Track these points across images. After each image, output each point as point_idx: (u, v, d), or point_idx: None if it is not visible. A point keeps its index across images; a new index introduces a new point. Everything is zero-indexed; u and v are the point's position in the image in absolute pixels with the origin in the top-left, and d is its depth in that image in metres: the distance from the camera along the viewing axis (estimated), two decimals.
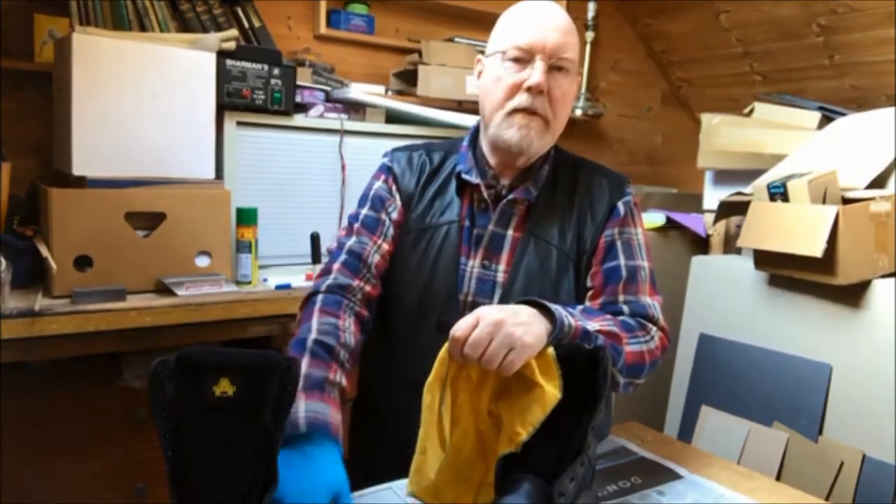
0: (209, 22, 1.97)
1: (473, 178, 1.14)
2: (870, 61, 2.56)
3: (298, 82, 2.02)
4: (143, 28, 1.87)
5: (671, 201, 2.68)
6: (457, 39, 2.54)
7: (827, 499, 1.60)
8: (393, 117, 2.22)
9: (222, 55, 1.84)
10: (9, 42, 1.89)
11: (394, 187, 1.19)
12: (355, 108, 2.16)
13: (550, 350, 0.84)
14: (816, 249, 1.58)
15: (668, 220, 2.38)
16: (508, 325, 0.83)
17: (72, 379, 1.76)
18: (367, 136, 2.15)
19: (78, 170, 1.63)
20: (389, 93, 2.41)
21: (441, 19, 2.70)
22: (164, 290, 1.68)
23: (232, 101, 1.87)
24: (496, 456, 0.84)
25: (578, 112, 2.97)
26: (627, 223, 1.15)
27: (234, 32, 1.90)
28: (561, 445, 0.82)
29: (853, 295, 1.67)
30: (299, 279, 1.95)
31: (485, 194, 1.14)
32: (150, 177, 1.71)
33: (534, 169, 1.15)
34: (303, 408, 0.88)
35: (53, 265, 1.55)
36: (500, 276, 1.12)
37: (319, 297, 1.07)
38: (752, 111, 2.33)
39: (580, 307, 1.04)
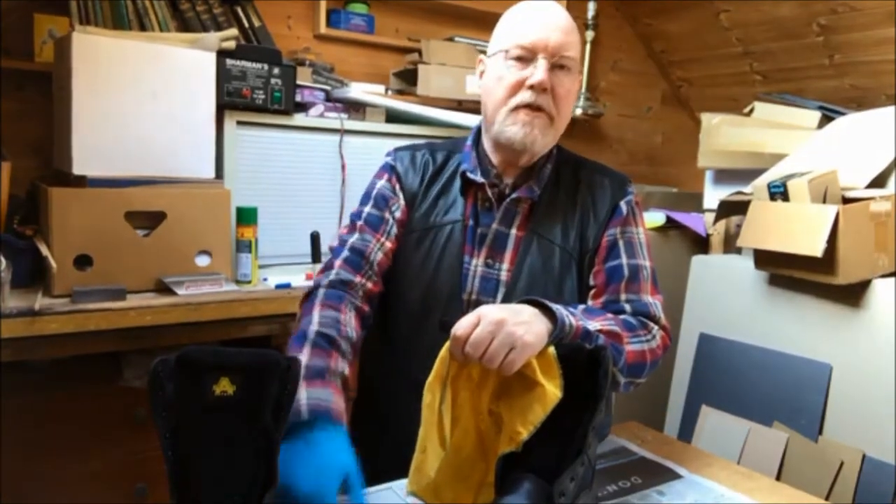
0: (209, 21, 1.97)
1: (478, 178, 1.14)
2: (870, 61, 2.56)
3: (298, 82, 2.02)
4: (143, 28, 1.87)
5: (671, 201, 2.68)
6: (457, 39, 2.54)
7: (827, 499, 1.60)
8: (393, 117, 2.22)
9: (222, 55, 1.84)
10: (9, 42, 1.89)
11: (397, 186, 1.19)
12: (355, 108, 2.16)
13: (551, 349, 0.84)
14: (816, 249, 1.58)
15: (669, 219, 2.38)
16: (510, 325, 0.83)
17: (72, 379, 1.76)
18: (367, 136, 2.15)
19: (78, 169, 1.63)
20: (389, 92, 2.41)
21: (441, 19, 2.70)
22: (164, 289, 1.68)
23: (232, 100, 1.87)
24: (496, 455, 0.84)
25: (578, 112, 2.97)
26: (629, 222, 1.15)
27: (234, 32, 1.90)
28: (561, 445, 0.82)
29: (853, 295, 1.66)
30: (299, 279, 1.95)
31: (489, 193, 1.14)
32: (150, 176, 1.71)
33: (537, 168, 1.15)
34: (304, 396, 0.88)
35: (53, 265, 1.55)
36: (504, 275, 1.12)
37: (321, 292, 1.07)
38: (752, 111, 2.33)
39: (581, 307, 1.04)
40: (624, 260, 1.12)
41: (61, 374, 1.74)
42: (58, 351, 1.53)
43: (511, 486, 0.81)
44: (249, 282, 1.86)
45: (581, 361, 0.83)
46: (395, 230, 1.17)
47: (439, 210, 1.16)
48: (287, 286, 1.84)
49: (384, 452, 1.12)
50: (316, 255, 1.92)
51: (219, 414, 0.75)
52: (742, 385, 1.87)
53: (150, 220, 1.69)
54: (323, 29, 2.40)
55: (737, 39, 2.89)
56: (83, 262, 1.61)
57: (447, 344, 0.86)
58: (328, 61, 2.33)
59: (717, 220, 2.13)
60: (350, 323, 1.04)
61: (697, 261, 2.11)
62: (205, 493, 0.74)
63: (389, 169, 1.21)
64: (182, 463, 0.74)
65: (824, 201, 1.66)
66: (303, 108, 2.06)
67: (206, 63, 1.78)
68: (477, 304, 1.10)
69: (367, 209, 1.18)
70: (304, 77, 2.10)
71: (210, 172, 1.82)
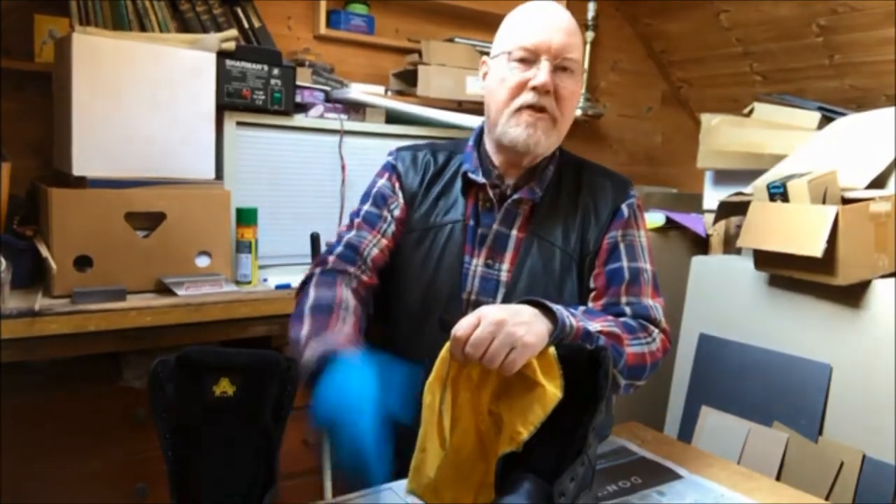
0: (209, 22, 1.97)
1: (479, 178, 1.15)
2: (870, 61, 2.56)
3: (298, 82, 2.02)
4: (143, 28, 1.87)
5: (671, 201, 2.68)
6: (457, 39, 2.54)
7: (827, 499, 1.60)
8: (393, 117, 2.22)
9: (222, 55, 1.84)
10: (9, 42, 1.89)
11: (397, 185, 1.19)
12: (355, 109, 2.16)
13: (552, 350, 0.84)
14: (816, 249, 1.58)
15: (668, 220, 2.38)
16: (510, 325, 0.83)
17: (72, 379, 1.76)
18: (367, 136, 2.15)
19: (78, 170, 1.63)
20: (389, 93, 2.41)
21: (441, 19, 2.70)
22: (164, 290, 1.68)
23: (232, 101, 1.87)
24: (496, 455, 0.84)
25: (578, 112, 2.97)
26: (631, 225, 1.15)
27: (234, 32, 1.90)
28: (561, 445, 0.82)
29: (853, 295, 1.67)
30: (299, 279, 1.94)
31: (490, 193, 1.14)
32: (150, 177, 1.71)
33: (539, 169, 1.15)
34: (308, 354, 0.88)
35: (53, 265, 1.55)
36: (504, 276, 1.12)
37: (314, 278, 1.08)
38: (752, 111, 2.33)
39: (582, 308, 1.04)
40: (625, 263, 1.12)
41: (61, 374, 1.74)
42: (58, 351, 1.53)
43: (511, 486, 0.81)
44: (249, 282, 1.86)
45: (581, 362, 0.83)
46: (392, 228, 1.17)
47: (440, 210, 1.16)
48: (287, 287, 1.84)
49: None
50: (316, 256, 1.92)
51: (219, 414, 0.75)
52: (742, 385, 1.87)
53: (150, 220, 1.69)
54: (323, 29, 2.40)
55: (737, 40, 2.89)
56: (83, 262, 1.61)
57: (447, 344, 0.86)
58: (328, 62, 2.33)
59: (716, 220, 2.13)
60: (347, 297, 1.05)
61: (697, 261, 2.11)
62: (205, 493, 0.74)
63: (390, 168, 1.22)
64: (182, 463, 0.74)
65: (824, 202, 1.66)
66: (303, 108, 2.06)
67: (206, 64, 1.78)
68: (476, 304, 1.10)
69: (366, 207, 1.19)
70: (303, 78, 2.10)
71: (210, 173, 1.82)
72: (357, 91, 2.18)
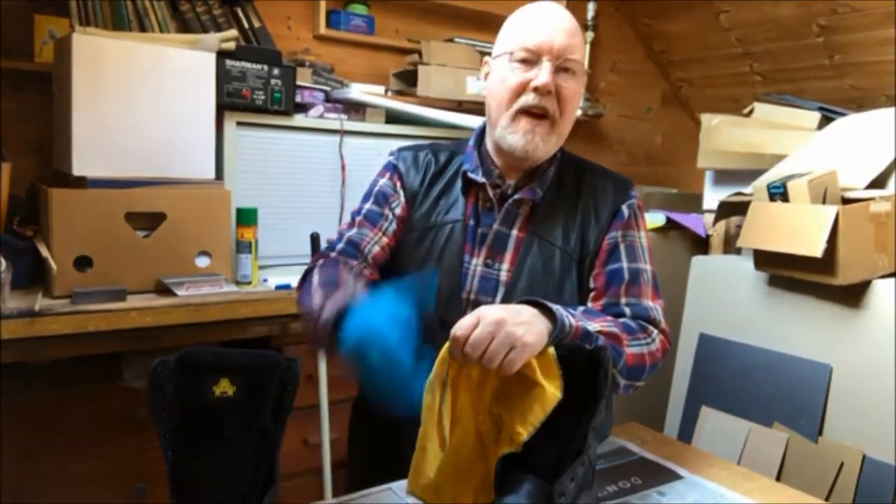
0: (209, 22, 1.97)
1: (479, 178, 1.15)
2: (870, 61, 2.56)
3: (298, 82, 2.02)
4: (143, 28, 1.87)
5: (671, 201, 2.68)
6: (457, 39, 2.54)
7: (827, 499, 1.60)
8: (393, 117, 2.22)
9: (222, 55, 1.84)
10: (9, 42, 1.89)
11: (398, 184, 1.20)
12: (355, 109, 2.16)
13: (551, 350, 0.84)
14: (816, 249, 1.57)
15: (668, 220, 2.38)
16: (509, 325, 0.83)
17: (72, 379, 1.76)
18: (367, 137, 2.15)
19: (78, 170, 1.63)
20: (389, 93, 2.41)
21: (441, 19, 2.70)
22: (164, 290, 1.68)
23: (232, 101, 1.87)
24: (496, 456, 0.84)
25: (578, 112, 2.97)
26: (631, 226, 1.15)
27: (233, 33, 1.90)
28: (561, 445, 0.82)
29: (853, 295, 1.67)
30: (299, 279, 1.94)
31: (490, 193, 1.14)
32: (150, 177, 1.71)
33: (540, 170, 1.15)
34: (325, 314, 0.89)
35: (53, 265, 1.55)
36: (504, 276, 1.12)
37: (317, 268, 1.07)
38: (752, 111, 2.33)
39: (581, 308, 1.04)
40: (625, 263, 1.12)
41: (61, 374, 1.74)
42: (58, 352, 1.53)
43: (511, 486, 0.81)
44: (249, 283, 1.86)
45: (581, 362, 0.83)
46: (393, 226, 1.17)
47: (440, 209, 1.16)
48: (287, 287, 1.84)
49: (384, 453, 1.13)
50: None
51: (219, 414, 0.75)
52: (742, 385, 1.87)
53: (151, 220, 1.69)
54: (323, 30, 2.40)
55: (737, 40, 2.89)
56: (83, 262, 1.61)
57: (447, 344, 0.86)
58: (328, 62, 2.33)
59: (716, 220, 2.13)
60: (352, 276, 1.04)
61: (697, 261, 2.11)
62: (205, 493, 0.74)
63: (392, 167, 1.22)
64: (182, 463, 0.75)
65: (824, 202, 1.66)
66: (303, 108, 2.06)
67: (206, 64, 1.78)
68: (476, 303, 1.10)
69: (368, 206, 1.19)
70: (303, 78, 2.10)
71: (210, 173, 1.82)
72: (357, 91, 2.18)
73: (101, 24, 1.82)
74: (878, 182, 1.74)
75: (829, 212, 1.59)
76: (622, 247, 1.13)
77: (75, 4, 1.80)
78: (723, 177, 2.34)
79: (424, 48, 2.41)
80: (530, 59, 1.08)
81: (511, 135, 1.09)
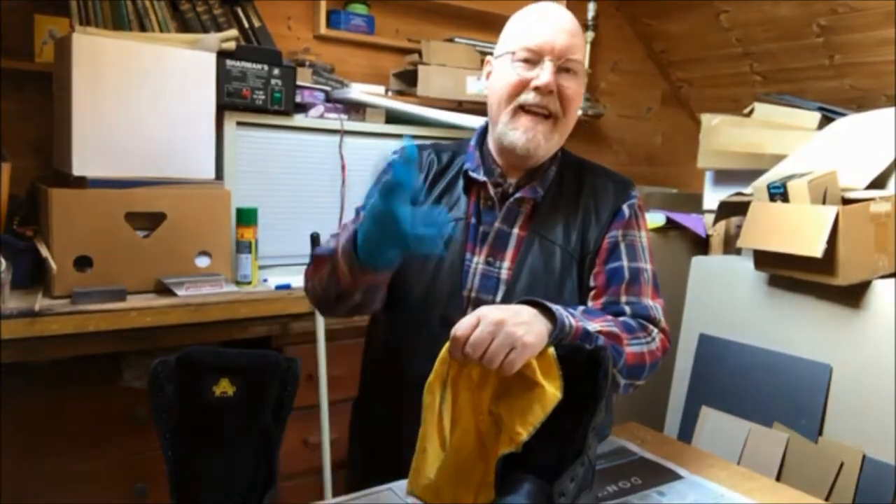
0: (209, 22, 1.97)
1: (480, 176, 1.15)
2: (870, 61, 2.56)
3: (298, 82, 2.02)
4: (143, 28, 1.87)
5: (671, 201, 2.68)
6: (457, 39, 2.54)
7: (827, 499, 1.60)
8: (393, 117, 2.22)
9: (222, 55, 1.84)
10: (9, 42, 1.89)
11: None
12: (355, 109, 2.16)
13: (551, 350, 0.84)
14: (816, 250, 1.57)
15: (668, 220, 2.38)
16: (509, 325, 0.83)
17: (72, 379, 1.76)
18: (367, 137, 2.15)
19: (78, 170, 1.63)
20: (389, 93, 2.41)
21: (441, 19, 2.70)
22: (164, 290, 1.68)
23: (232, 101, 1.87)
24: (496, 456, 0.84)
25: (578, 112, 2.97)
26: (631, 226, 1.15)
27: (234, 32, 1.90)
28: (561, 445, 0.82)
29: (853, 295, 1.66)
30: (299, 279, 1.93)
31: (491, 192, 1.15)
32: (150, 177, 1.71)
33: (541, 169, 1.16)
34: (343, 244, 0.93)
35: (53, 265, 1.55)
36: (505, 274, 1.12)
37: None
38: (752, 111, 2.33)
39: (581, 308, 1.05)
40: (625, 262, 1.13)
41: (61, 374, 1.74)
42: (58, 352, 1.53)
43: (511, 486, 0.81)
44: (249, 283, 1.86)
45: (581, 362, 0.83)
46: None
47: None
48: (287, 287, 1.84)
49: (384, 453, 1.13)
50: None
51: (219, 414, 0.75)
52: (742, 385, 1.87)
53: (151, 220, 1.69)
54: (323, 29, 2.40)
55: (737, 40, 2.89)
56: (83, 262, 1.61)
57: (447, 344, 0.86)
58: (328, 62, 2.33)
59: (716, 220, 2.13)
60: None
61: (697, 261, 2.11)
62: (205, 493, 0.74)
63: None
64: (182, 463, 0.75)
65: (824, 202, 1.66)
66: (303, 108, 2.06)
67: (206, 64, 1.78)
68: (477, 301, 1.11)
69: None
70: (304, 78, 2.10)
71: (210, 173, 1.82)
72: (357, 91, 2.18)
73: (101, 23, 1.82)
74: (878, 182, 1.74)
75: (829, 212, 1.59)
76: (622, 246, 1.14)
77: (75, 4, 1.80)
78: (723, 177, 2.34)
79: (424, 48, 2.41)
80: (532, 59, 1.08)
81: (512, 131, 1.10)
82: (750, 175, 1.99)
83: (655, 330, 1.09)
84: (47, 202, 1.57)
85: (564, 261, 1.12)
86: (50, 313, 1.47)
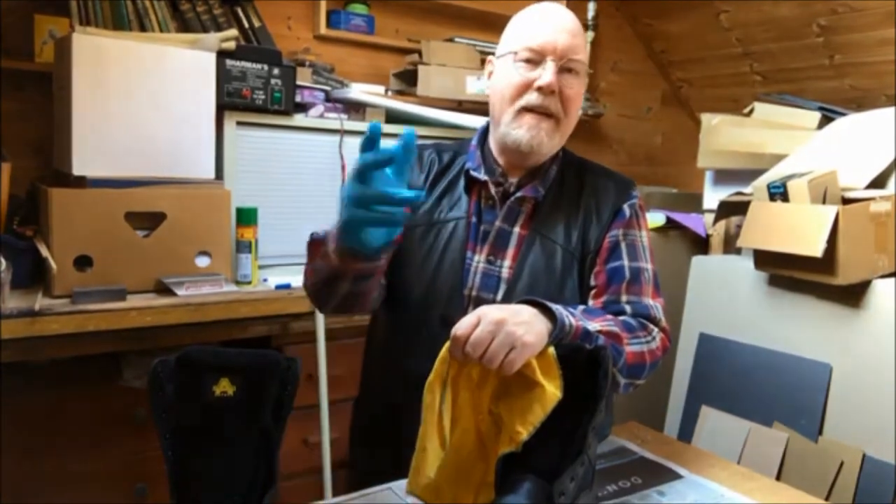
0: (209, 22, 1.97)
1: (481, 176, 1.15)
2: (870, 61, 2.56)
3: (298, 82, 2.02)
4: (143, 28, 1.87)
5: (671, 201, 2.68)
6: (457, 39, 2.54)
7: (827, 499, 1.60)
8: (393, 117, 2.22)
9: (222, 55, 1.84)
10: (9, 42, 1.89)
11: None
12: (355, 108, 2.16)
13: (551, 349, 0.84)
14: (816, 249, 1.57)
15: (668, 220, 2.38)
16: (509, 325, 0.83)
17: (72, 379, 1.76)
18: None
19: (78, 170, 1.63)
20: (389, 93, 2.41)
21: (441, 19, 2.70)
22: (164, 290, 1.68)
23: (232, 101, 1.87)
24: (496, 455, 0.84)
25: (579, 112, 2.97)
26: (632, 225, 1.16)
27: (234, 32, 1.90)
28: (561, 445, 0.82)
29: (853, 295, 1.66)
30: (299, 279, 1.93)
31: (492, 191, 1.15)
32: (150, 177, 1.71)
33: (542, 169, 1.16)
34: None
35: (53, 265, 1.55)
36: (506, 272, 1.12)
37: None
38: (752, 111, 2.33)
39: (581, 307, 1.05)
40: (625, 262, 1.13)
41: (61, 374, 1.74)
42: (58, 351, 1.53)
43: (511, 486, 0.81)
44: (249, 282, 1.86)
45: (581, 361, 0.83)
46: None
47: (443, 208, 1.17)
48: (287, 287, 1.84)
49: (384, 452, 1.13)
50: None
51: (219, 414, 0.75)
52: (742, 385, 1.87)
53: (150, 220, 1.69)
54: (323, 29, 2.40)
55: (737, 40, 2.89)
56: (83, 262, 1.61)
57: (447, 344, 0.86)
58: (328, 62, 2.33)
59: (716, 220, 2.13)
60: None
61: (697, 261, 2.11)
62: (205, 493, 0.74)
63: None
64: (182, 463, 0.75)
65: (824, 202, 1.66)
66: (303, 108, 2.06)
67: (206, 63, 1.78)
68: (477, 299, 1.11)
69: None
70: (304, 77, 2.10)
71: (210, 173, 1.82)
72: (357, 91, 2.18)
73: (101, 23, 1.82)
74: (878, 182, 1.74)
75: (829, 212, 1.59)
76: (623, 245, 1.14)
77: (75, 4, 1.80)
78: (723, 177, 2.34)
79: (424, 48, 2.41)
80: (534, 59, 1.09)
81: (515, 130, 1.10)
82: (750, 175, 1.99)
83: (656, 329, 1.09)
84: (47, 202, 1.57)
85: (565, 260, 1.13)
86: (50, 313, 1.47)
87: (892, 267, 1.67)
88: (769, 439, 1.76)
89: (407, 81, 2.47)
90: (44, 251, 1.57)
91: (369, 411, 1.24)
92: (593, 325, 0.98)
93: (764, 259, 1.81)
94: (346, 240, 0.89)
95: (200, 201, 1.75)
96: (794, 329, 1.79)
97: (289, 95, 1.97)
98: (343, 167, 2.10)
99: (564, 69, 1.09)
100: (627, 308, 1.10)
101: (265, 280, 1.92)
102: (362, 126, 2.14)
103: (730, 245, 2.27)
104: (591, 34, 3.02)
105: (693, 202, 2.59)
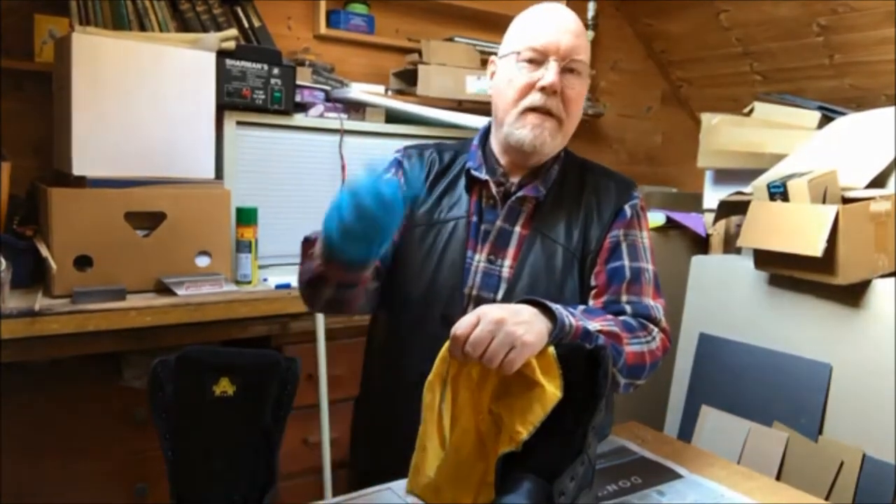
0: (209, 22, 1.97)
1: (482, 175, 1.16)
2: (870, 61, 2.56)
3: (298, 82, 2.02)
4: (143, 28, 1.87)
5: (671, 201, 2.68)
6: (457, 39, 2.54)
7: (827, 499, 1.60)
8: (393, 117, 2.22)
9: (222, 55, 1.84)
10: (9, 42, 1.89)
11: (401, 180, 1.20)
12: (355, 108, 2.16)
13: (551, 349, 0.84)
14: (816, 249, 1.57)
15: (668, 219, 2.38)
16: (509, 324, 0.83)
17: (72, 379, 1.76)
18: (367, 136, 2.15)
19: (78, 170, 1.63)
20: (389, 92, 2.41)
21: (441, 19, 2.70)
22: (164, 289, 1.68)
23: (232, 100, 1.87)
24: (496, 455, 0.84)
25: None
26: (633, 226, 1.16)
27: (233, 32, 1.90)
28: (561, 445, 0.82)
29: (853, 295, 1.66)
30: None
31: (493, 191, 1.15)
32: (150, 177, 1.71)
33: (543, 168, 1.16)
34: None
35: (53, 265, 1.55)
36: (506, 272, 1.12)
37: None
38: (752, 111, 2.33)
39: (581, 307, 1.05)
40: (626, 262, 1.13)
41: (61, 374, 1.74)
42: (58, 351, 1.53)
43: (511, 485, 0.81)
44: (249, 282, 1.86)
45: (581, 361, 0.83)
46: None
47: (443, 207, 1.17)
48: (287, 286, 1.84)
49: (384, 452, 1.13)
50: None
51: (219, 414, 0.75)
52: (742, 385, 1.87)
53: (150, 220, 1.69)
54: (323, 29, 2.40)
55: (737, 39, 2.89)
56: (83, 262, 1.61)
57: (447, 343, 0.86)
58: (328, 61, 2.33)
59: (716, 220, 2.13)
60: None
61: (697, 261, 2.11)
62: (205, 494, 0.74)
63: (396, 164, 1.24)
64: (182, 463, 0.74)
65: (824, 201, 1.66)
66: (303, 108, 2.06)
67: (206, 63, 1.78)
68: (478, 298, 1.11)
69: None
70: (304, 77, 2.10)
71: (210, 172, 1.82)
72: (357, 91, 2.18)
73: (101, 23, 1.82)
74: (878, 182, 1.74)
75: (829, 211, 1.59)
76: (624, 245, 1.14)
77: (75, 4, 1.80)
78: (723, 176, 2.34)
79: (424, 48, 2.41)
80: (537, 59, 1.09)
81: (519, 130, 1.10)
82: (750, 174, 1.99)
83: (656, 329, 1.09)
84: (47, 202, 1.57)
85: (566, 260, 1.13)
86: (50, 313, 1.47)
87: (892, 267, 1.67)
88: (769, 439, 1.76)
89: (407, 81, 2.47)
90: (44, 251, 1.57)
91: (369, 411, 1.24)
92: (593, 325, 0.98)
93: (764, 259, 1.81)
94: (329, 249, 0.88)
95: (200, 201, 1.75)
96: (794, 329, 1.79)
97: (289, 95, 1.97)
98: (343, 167, 2.10)
99: (567, 70, 1.09)
100: (627, 308, 1.10)
101: (265, 280, 1.92)
102: (362, 126, 2.14)
103: (730, 245, 2.27)
104: (591, 34, 3.02)
105: (693, 202, 2.59)
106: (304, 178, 2.07)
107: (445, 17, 2.70)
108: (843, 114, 2.13)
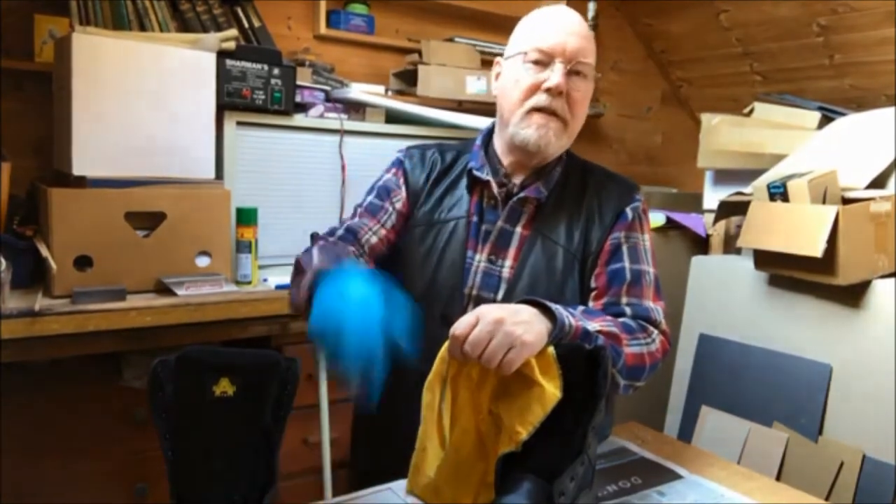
0: (209, 22, 1.97)
1: (483, 175, 1.16)
2: (870, 61, 2.56)
3: (298, 82, 2.02)
4: (143, 28, 1.87)
5: (671, 201, 2.68)
6: (457, 39, 2.54)
7: (827, 499, 1.60)
8: (393, 117, 2.22)
9: (222, 55, 1.84)
10: (9, 42, 1.89)
11: (402, 180, 1.21)
12: (355, 108, 2.16)
13: (551, 349, 0.84)
14: (816, 249, 1.58)
15: (668, 220, 2.38)
16: (508, 324, 0.83)
17: (72, 379, 1.76)
18: (367, 136, 2.15)
19: (78, 170, 1.63)
20: (389, 93, 2.41)
21: (441, 19, 2.70)
22: (164, 290, 1.68)
23: (232, 101, 1.87)
24: (496, 455, 0.84)
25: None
26: (635, 228, 1.16)
27: (234, 32, 1.90)
28: (561, 445, 0.82)
29: (853, 295, 1.67)
30: None
31: (495, 191, 1.15)
32: (150, 176, 1.71)
33: (546, 170, 1.16)
34: (309, 278, 0.90)
35: (53, 265, 1.55)
36: (507, 272, 1.13)
37: (315, 245, 1.09)
38: (752, 111, 2.33)
39: (581, 308, 1.05)
40: (627, 264, 1.13)
41: (61, 374, 1.74)
42: (58, 351, 1.53)
43: (511, 485, 0.81)
44: (249, 282, 1.86)
45: (580, 361, 0.83)
46: (392, 220, 1.19)
47: (444, 207, 1.17)
48: (287, 287, 1.84)
49: (384, 452, 1.13)
50: None
51: (219, 414, 0.75)
52: (742, 385, 1.87)
53: (150, 220, 1.69)
54: (323, 29, 2.40)
55: (737, 39, 2.89)
56: (83, 262, 1.61)
57: (447, 343, 0.86)
58: (328, 62, 2.33)
59: (716, 220, 2.13)
60: (351, 251, 1.08)
61: (697, 261, 2.11)
62: (205, 494, 0.74)
63: (398, 163, 1.24)
64: (182, 463, 0.74)
65: (824, 202, 1.66)
66: (303, 108, 2.06)
67: (206, 63, 1.78)
68: (478, 298, 1.11)
69: (370, 198, 1.22)
70: (304, 77, 2.10)
71: (210, 172, 1.82)
72: (357, 91, 2.18)
73: (101, 23, 1.82)
74: (878, 182, 1.74)
75: (829, 212, 1.59)
76: (625, 248, 1.14)
77: (75, 4, 1.80)
78: (723, 176, 2.34)
79: (424, 48, 2.41)
80: (543, 61, 1.09)
81: (524, 129, 1.11)
82: (750, 175, 1.99)
83: (655, 332, 1.09)
84: (47, 202, 1.57)
85: (566, 261, 1.13)
86: (50, 313, 1.47)
87: (892, 267, 1.67)
88: (769, 439, 1.76)
89: (407, 81, 2.47)
90: (44, 251, 1.57)
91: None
92: (593, 326, 0.98)
93: (764, 259, 1.81)
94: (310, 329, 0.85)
95: (200, 201, 1.75)
96: (794, 329, 1.79)
97: (289, 95, 1.97)
98: (343, 167, 2.10)
99: (573, 72, 1.10)
100: (627, 310, 1.10)
101: (265, 280, 1.92)
102: (362, 126, 2.14)
103: (730, 245, 2.27)
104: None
105: (693, 202, 2.59)
106: (304, 178, 2.07)
107: (445, 18, 2.70)
108: (843, 114, 2.13)
